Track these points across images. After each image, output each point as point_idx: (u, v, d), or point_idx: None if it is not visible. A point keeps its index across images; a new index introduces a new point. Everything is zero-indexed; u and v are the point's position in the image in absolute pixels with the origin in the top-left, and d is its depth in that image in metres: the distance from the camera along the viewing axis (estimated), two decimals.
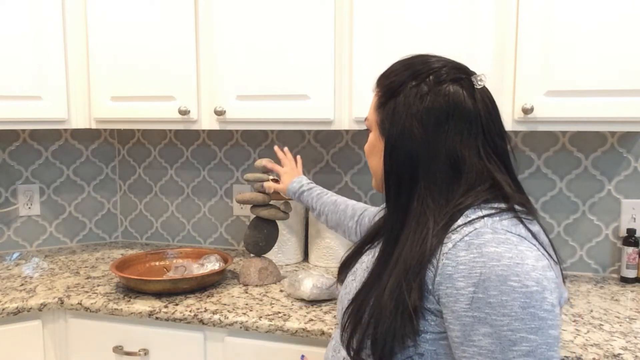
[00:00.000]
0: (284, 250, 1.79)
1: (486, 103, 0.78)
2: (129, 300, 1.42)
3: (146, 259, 1.67)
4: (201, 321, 1.32)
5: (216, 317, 1.31)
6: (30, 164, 1.99)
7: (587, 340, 1.16)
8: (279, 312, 1.33)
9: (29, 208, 1.99)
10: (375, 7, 1.42)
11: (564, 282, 0.78)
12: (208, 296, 1.45)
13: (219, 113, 1.55)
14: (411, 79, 0.79)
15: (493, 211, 0.72)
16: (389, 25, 1.42)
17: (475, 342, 0.65)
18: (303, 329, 1.25)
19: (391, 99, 0.80)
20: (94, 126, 1.72)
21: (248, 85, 1.54)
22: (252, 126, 1.59)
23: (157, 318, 1.36)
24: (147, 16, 1.60)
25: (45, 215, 2.02)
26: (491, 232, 0.68)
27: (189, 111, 1.59)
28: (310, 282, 1.38)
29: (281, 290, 1.51)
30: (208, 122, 1.61)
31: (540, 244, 0.71)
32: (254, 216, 1.56)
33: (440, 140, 0.75)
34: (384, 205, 0.84)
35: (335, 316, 1.31)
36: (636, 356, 1.08)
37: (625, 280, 1.60)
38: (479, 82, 0.78)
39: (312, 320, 1.28)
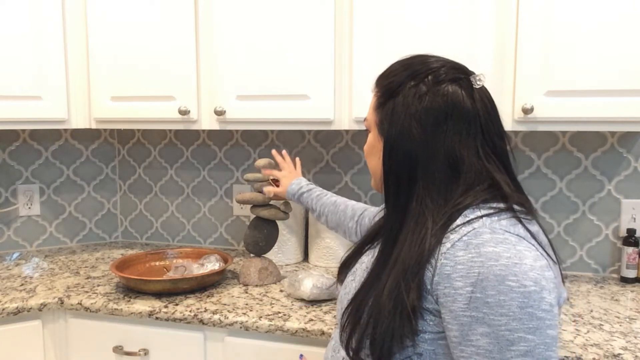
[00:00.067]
0: (284, 250, 1.79)
1: (485, 103, 0.78)
2: (129, 300, 1.42)
3: (146, 259, 1.67)
4: (201, 321, 1.32)
5: (216, 317, 1.31)
6: (30, 164, 1.99)
7: (587, 340, 1.16)
8: (279, 312, 1.33)
9: (29, 208, 1.99)
10: (375, 7, 1.42)
11: (563, 282, 0.78)
12: (208, 296, 1.45)
13: (219, 113, 1.55)
14: (410, 79, 0.79)
15: (492, 211, 0.72)
16: (389, 25, 1.42)
17: (473, 342, 0.65)
18: (303, 329, 1.25)
19: (390, 99, 0.80)
20: (94, 126, 1.72)
21: (248, 85, 1.54)
22: (252, 126, 1.59)
23: (157, 318, 1.36)
24: (147, 16, 1.60)
25: (45, 215, 2.02)
26: (489, 232, 0.68)
27: (189, 111, 1.59)
28: (310, 282, 1.38)
29: (281, 290, 1.51)
30: (208, 122, 1.61)
31: (539, 243, 0.71)
32: (254, 216, 1.56)
33: (439, 140, 0.75)
34: (384, 205, 0.84)
35: (335, 316, 1.31)
36: (636, 356, 1.08)
37: (625, 280, 1.60)
38: (478, 82, 0.78)
39: (312, 320, 1.28)
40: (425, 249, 0.71)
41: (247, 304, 1.39)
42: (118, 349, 1.40)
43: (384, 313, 0.71)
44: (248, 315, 1.31)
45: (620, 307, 1.37)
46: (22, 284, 1.57)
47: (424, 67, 0.79)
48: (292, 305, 1.39)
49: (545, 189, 1.68)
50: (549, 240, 0.76)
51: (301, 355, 1.25)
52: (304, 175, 1.87)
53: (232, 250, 2.00)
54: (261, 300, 1.43)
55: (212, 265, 1.58)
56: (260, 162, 1.51)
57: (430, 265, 0.70)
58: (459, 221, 0.71)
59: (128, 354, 1.40)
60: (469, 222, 0.70)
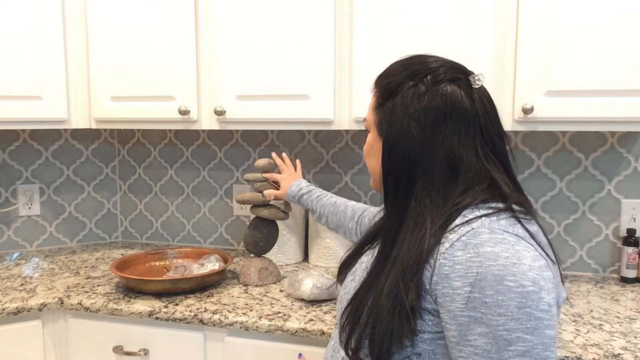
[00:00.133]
0: (284, 250, 1.79)
1: (484, 103, 0.78)
2: (129, 300, 1.42)
3: (146, 259, 1.67)
4: (201, 321, 1.32)
5: (216, 317, 1.31)
6: (30, 164, 1.99)
7: (587, 340, 1.16)
8: (279, 312, 1.33)
9: (29, 208, 1.99)
10: (375, 7, 1.42)
11: (562, 282, 0.78)
12: (208, 296, 1.45)
13: (219, 113, 1.55)
14: (409, 79, 0.79)
15: (491, 211, 0.72)
16: (389, 25, 1.42)
17: (471, 342, 0.65)
18: (303, 329, 1.25)
19: (389, 100, 0.80)
20: (94, 126, 1.72)
21: (248, 85, 1.54)
22: (252, 126, 1.59)
23: (157, 318, 1.36)
24: (147, 16, 1.60)
25: (45, 215, 2.02)
26: (488, 232, 0.68)
27: (189, 111, 1.59)
28: (310, 282, 1.38)
29: (281, 290, 1.51)
30: (208, 122, 1.61)
31: (538, 243, 0.71)
32: (254, 216, 1.56)
33: (438, 140, 0.75)
34: (383, 205, 0.84)
35: (335, 316, 1.31)
36: (636, 356, 1.08)
37: (625, 280, 1.60)
38: (477, 82, 0.78)
39: (312, 320, 1.28)
40: (424, 249, 0.71)
41: (247, 304, 1.39)
42: (118, 349, 1.40)
43: (383, 313, 0.71)
44: (248, 315, 1.31)
45: (620, 307, 1.37)
46: (22, 284, 1.57)
47: (423, 67, 0.79)
48: (292, 305, 1.39)
49: (545, 189, 1.68)
50: (548, 240, 0.76)
51: (300, 355, 1.25)
52: (304, 175, 1.87)
53: (232, 250, 2.00)
54: (261, 300, 1.43)
55: (212, 265, 1.58)
56: (260, 162, 1.51)
57: (429, 265, 0.70)
58: (457, 221, 0.71)
59: (128, 354, 1.40)
60: (467, 222, 0.70)
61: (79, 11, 1.66)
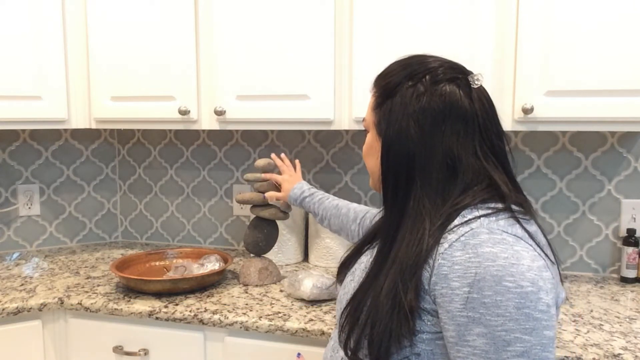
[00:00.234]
0: (284, 250, 1.79)
1: (483, 102, 0.78)
2: (129, 300, 1.42)
3: (146, 259, 1.67)
4: (201, 321, 1.32)
5: (216, 317, 1.31)
6: (30, 164, 1.99)
7: (587, 340, 1.16)
8: (279, 312, 1.33)
9: (29, 208, 1.99)
10: (375, 7, 1.42)
11: (561, 282, 0.78)
12: (208, 296, 1.45)
13: (219, 113, 1.55)
14: (407, 79, 0.78)
15: (490, 211, 0.72)
16: (389, 25, 1.42)
17: (470, 342, 0.65)
18: (303, 329, 1.25)
19: (388, 100, 0.80)
20: (94, 126, 1.72)
21: (248, 85, 1.54)
22: (252, 126, 1.59)
23: (157, 318, 1.36)
24: (147, 16, 1.60)
25: (45, 215, 2.02)
26: (487, 232, 0.68)
27: (189, 111, 1.59)
28: (310, 282, 1.38)
29: (281, 290, 1.51)
30: (208, 122, 1.61)
31: (537, 244, 0.71)
32: (254, 216, 1.56)
33: (436, 140, 0.75)
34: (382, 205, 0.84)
35: (334, 316, 1.31)
36: (636, 356, 1.08)
37: (625, 280, 1.59)
38: (476, 82, 0.78)
39: (312, 320, 1.28)
40: (423, 249, 0.71)
41: (247, 304, 1.39)
42: (118, 349, 1.40)
43: (382, 313, 0.71)
44: (248, 315, 1.31)
45: (620, 307, 1.37)
46: (22, 284, 1.57)
47: (422, 67, 0.79)
48: (292, 305, 1.39)
49: (545, 189, 1.68)
50: (548, 241, 0.76)
51: (299, 354, 1.25)
52: (304, 175, 1.88)
53: (232, 250, 2.00)
54: (261, 300, 1.43)
55: (212, 265, 1.58)
56: (260, 162, 1.51)
57: (428, 265, 0.70)
58: (456, 221, 0.71)
59: (128, 354, 1.40)
60: (466, 222, 0.70)
61: (79, 11, 1.66)
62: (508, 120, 1.37)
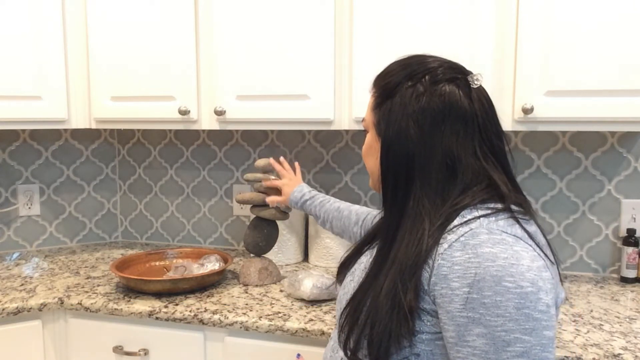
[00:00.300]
0: (284, 250, 1.79)
1: (482, 103, 0.78)
2: (129, 300, 1.42)
3: (146, 259, 1.67)
4: (201, 321, 1.32)
5: (216, 317, 1.31)
6: (30, 164, 1.99)
7: (587, 340, 1.16)
8: (279, 312, 1.33)
9: (29, 208, 1.99)
10: (375, 7, 1.42)
11: (561, 282, 0.78)
12: (208, 296, 1.45)
13: (219, 113, 1.55)
14: (407, 79, 0.78)
15: (489, 211, 0.72)
16: (389, 25, 1.42)
17: (470, 343, 0.65)
18: (303, 329, 1.25)
19: (387, 100, 0.80)
20: (94, 126, 1.72)
21: (248, 85, 1.54)
22: (252, 126, 1.59)
23: (157, 318, 1.36)
24: (147, 16, 1.60)
25: (45, 215, 2.03)
26: (487, 233, 0.68)
27: (189, 111, 1.59)
28: (310, 282, 1.38)
29: (281, 290, 1.51)
30: (208, 122, 1.61)
31: (537, 244, 0.71)
32: (254, 216, 1.56)
33: (436, 140, 0.75)
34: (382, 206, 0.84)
35: (334, 316, 1.31)
36: (636, 356, 1.08)
37: (625, 280, 1.59)
38: (476, 82, 0.78)
39: (312, 320, 1.28)
40: (423, 249, 0.70)
41: (247, 304, 1.39)
42: (118, 349, 1.40)
43: (382, 313, 0.71)
44: (248, 315, 1.31)
45: (620, 307, 1.37)
46: (22, 284, 1.57)
47: (422, 67, 0.79)
48: (292, 305, 1.39)
49: (545, 189, 1.68)
50: (547, 241, 0.76)
51: (298, 355, 1.25)
52: (304, 175, 1.87)
53: (232, 250, 2.00)
54: (261, 300, 1.43)
55: (212, 265, 1.58)
56: (260, 162, 1.51)
57: (428, 265, 0.70)
58: (456, 222, 0.71)
59: (128, 354, 1.40)
60: (466, 222, 0.70)
61: (79, 11, 1.66)
62: (508, 120, 1.36)
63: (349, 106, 1.49)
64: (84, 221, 2.09)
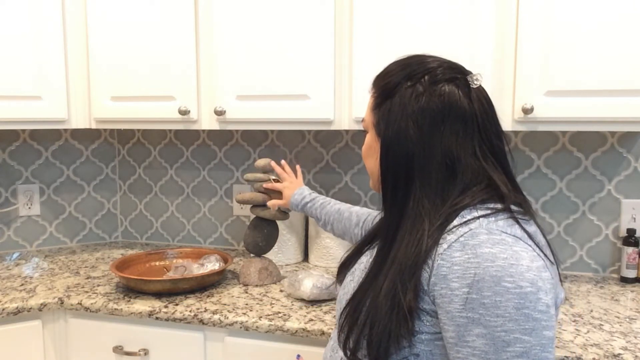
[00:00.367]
0: (284, 250, 1.79)
1: (482, 102, 0.78)
2: (129, 300, 1.42)
3: (146, 259, 1.67)
4: (201, 321, 1.32)
5: (216, 317, 1.31)
6: (30, 164, 1.99)
7: (587, 340, 1.16)
8: (279, 312, 1.33)
9: (29, 208, 1.99)
10: (375, 7, 1.42)
11: (561, 282, 0.78)
12: (208, 296, 1.45)
13: (219, 113, 1.55)
14: (406, 79, 0.78)
15: (489, 212, 0.72)
16: (389, 25, 1.42)
17: (469, 343, 0.65)
18: (303, 329, 1.25)
19: (387, 100, 0.80)
20: (94, 126, 1.72)
21: (248, 85, 1.54)
22: (252, 126, 1.59)
23: (157, 318, 1.36)
24: (147, 16, 1.60)
25: (45, 215, 2.03)
26: (486, 233, 0.68)
27: (189, 111, 1.59)
28: (310, 282, 1.38)
29: (281, 290, 1.51)
30: (208, 122, 1.61)
31: (537, 244, 0.71)
32: (254, 216, 1.56)
33: (435, 141, 0.75)
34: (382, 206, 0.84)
35: (334, 316, 1.31)
36: (636, 356, 1.08)
37: (625, 280, 1.59)
38: (475, 82, 0.78)
39: (312, 320, 1.28)
40: (422, 249, 0.70)
41: (247, 304, 1.39)
42: (118, 349, 1.40)
43: (381, 313, 0.71)
44: (248, 315, 1.31)
45: (620, 307, 1.37)
46: (22, 284, 1.57)
47: (421, 67, 0.79)
48: (292, 305, 1.39)
49: (545, 189, 1.68)
50: (547, 241, 0.76)
51: (298, 356, 1.25)
52: (304, 176, 1.87)
53: (232, 250, 2.00)
54: (261, 300, 1.43)
55: (212, 265, 1.58)
56: (260, 162, 1.51)
57: (427, 266, 0.70)
58: (456, 222, 0.71)
59: (128, 354, 1.40)
60: (465, 222, 0.70)
61: (79, 11, 1.66)
62: (508, 120, 1.36)
63: (349, 106, 1.49)
64: (84, 221, 2.09)
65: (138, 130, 2.08)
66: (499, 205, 0.73)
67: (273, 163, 1.50)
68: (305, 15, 1.48)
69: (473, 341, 0.65)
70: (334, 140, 1.87)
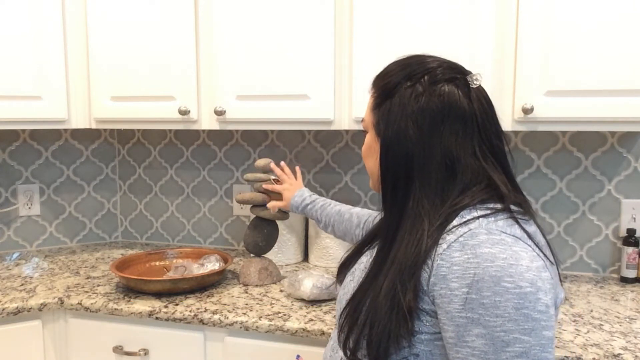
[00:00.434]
0: (284, 250, 1.79)
1: (482, 102, 0.77)
2: (129, 300, 1.42)
3: (146, 259, 1.67)
4: (201, 321, 1.32)
5: (216, 317, 1.31)
6: (30, 164, 1.99)
7: (587, 340, 1.16)
8: (279, 312, 1.33)
9: (29, 208, 1.99)
10: (375, 7, 1.42)
11: (560, 282, 0.78)
12: (208, 296, 1.45)
13: (219, 113, 1.55)
14: (406, 79, 0.78)
15: (488, 212, 0.72)
16: (389, 25, 1.42)
17: (469, 343, 0.65)
18: (303, 329, 1.25)
19: (386, 100, 0.80)
20: (94, 126, 1.72)
21: (248, 85, 1.54)
22: (252, 126, 1.59)
23: (157, 318, 1.36)
24: (147, 16, 1.60)
25: (45, 215, 2.03)
26: (486, 233, 0.68)
27: (189, 111, 1.59)
28: (310, 282, 1.38)
29: (281, 290, 1.51)
30: (208, 122, 1.61)
31: (536, 244, 0.71)
32: (254, 216, 1.56)
33: (435, 141, 0.75)
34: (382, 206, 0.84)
35: (334, 316, 1.31)
36: (636, 356, 1.08)
37: (625, 280, 1.59)
38: (475, 82, 0.78)
39: (312, 320, 1.28)
40: (422, 249, 0.70)
41: (247, 304, 1.39)
42: (118, 349, 1.40)
43: (381, 313, 0.71)
44: (248, 315, 1.31)
45: (620, 307, 1.37)
46: (22, 284, 1.57)
47: (421, 67, 0.79)
48: (292, 305, 1.39)
49: (545, 189, 1.68)
50: (547, 241, 0.76)
51: (298, 356, 1.25)
52: (304, 176, 1.87)
53: (232, 250, 2.00)
54: (261, 300, 1.43)
55: (212, 265, 1.58)
56: (260, 162, 1.51)
57: (427, 266, 0.70)
58: (455, 222, 0.71)
59: (128, 354, 1.40)
60: (465, 222, 0.70)
61: (79, 11, 1.66)
62: (508, 120, 1.36)
63: (349, 106, 1.49)
64: (84, 221, 2.09)
65: (138, 130, 2.08)
66: (498, 205, 0.73)
67: (273, 165, 1.50)
68: (305, 15, 1.48)
69: (472, 341, 0.65)
70: (334, 140, 1.87)
